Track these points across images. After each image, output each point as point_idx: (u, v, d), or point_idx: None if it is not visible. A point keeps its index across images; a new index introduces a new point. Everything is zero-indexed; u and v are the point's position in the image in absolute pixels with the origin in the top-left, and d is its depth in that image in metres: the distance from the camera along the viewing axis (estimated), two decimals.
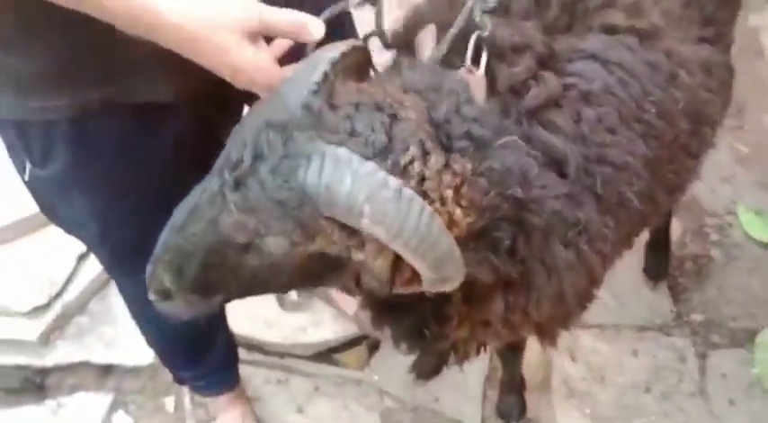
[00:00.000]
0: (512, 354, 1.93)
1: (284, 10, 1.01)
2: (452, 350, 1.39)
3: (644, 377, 2.24)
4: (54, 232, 2.24)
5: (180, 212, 0.98)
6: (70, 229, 1.50)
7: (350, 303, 2.29)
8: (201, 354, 1.91)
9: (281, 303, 2.34)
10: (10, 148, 1.31)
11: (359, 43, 1.04)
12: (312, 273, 0.98)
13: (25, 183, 1.35)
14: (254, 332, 2.26)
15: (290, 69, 1.00)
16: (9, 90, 1.16)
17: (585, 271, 1.14)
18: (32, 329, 2.12)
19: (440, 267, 0.92)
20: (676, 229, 2.61)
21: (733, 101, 3.23)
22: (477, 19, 1.03)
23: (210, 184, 0.94)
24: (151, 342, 1.93)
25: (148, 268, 1.01)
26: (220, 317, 1.93)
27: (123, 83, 1.16)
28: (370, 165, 0.85)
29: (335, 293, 2.32)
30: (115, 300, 2.29)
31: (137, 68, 1.13)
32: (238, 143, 0.92)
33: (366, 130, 0.89)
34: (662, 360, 2.28)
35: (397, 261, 0.94)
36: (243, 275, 0.98)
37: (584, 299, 1.34)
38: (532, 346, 2.24)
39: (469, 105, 0.98)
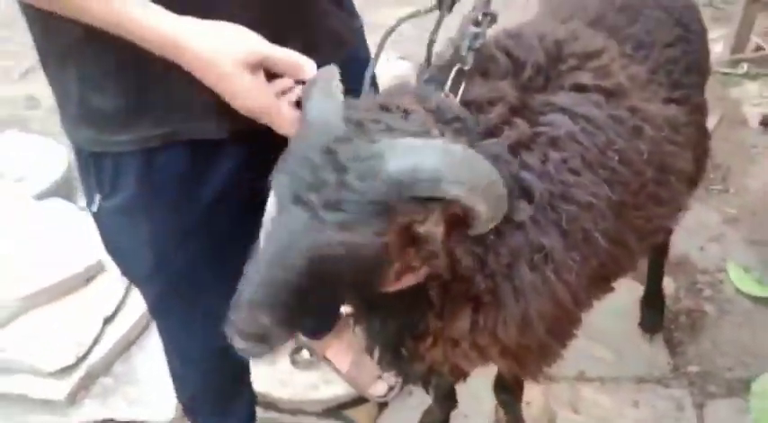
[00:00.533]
0: (510, 399, 2.02)
1: (285, 50, 1.18)
2: (430, 373, 1.50)
3: None
4: (83, 296, 2.41)
5: (268, 250, 1.02)
6: (125, 262, 1.60)
7: (344, 363, 2.41)
8: (228, 403, 1.98)
9: (294, 362, 2.46)
10: (84, 181, 1.46)
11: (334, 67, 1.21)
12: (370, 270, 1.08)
13: (92, 214, 1.49)
14: (269, 389, 2.36)
15: (277, 87, 1.18)
16: (88, 123, 1.32)
17: (551, 297, 1.24)
18: (60, 389, 2.22)
19: (498, 204, 1.08)
20: (670, 285, 2.74)
21: (719, 166, 3.45)
22: (464, 53, 1.22)
23: (291, 214, 1.00)
24: (181, 388, 1.99)
25: (237, 316, 1.03)
26: (245, 370, 2.01)
27: (182, 121, 1.32)
28: (437, 141, 1.02)
29: (332, 355, 2.44)
30: (137, 361, 2.42)
31: (194, 109, 1.29)
32: (297, 171, 1.00)
33: (397, 124, 1.05)
34: (661, 410, 2.36)
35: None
36: (338, 290, 1.08)
37: (559, 333, 1.44)
38: (535, 398, 2.35)
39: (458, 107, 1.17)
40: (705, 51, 1.91)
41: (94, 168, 1.40)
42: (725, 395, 2.40)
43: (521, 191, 1.17)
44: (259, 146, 1.27)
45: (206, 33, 1.15)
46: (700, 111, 1.90)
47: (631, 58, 1.56)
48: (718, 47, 4.06)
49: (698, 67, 1.81)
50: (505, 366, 1.46)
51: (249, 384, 2.06)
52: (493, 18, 1.26)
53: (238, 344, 1.06)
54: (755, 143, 3.47)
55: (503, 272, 1.19)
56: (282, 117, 1.21)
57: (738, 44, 3.95)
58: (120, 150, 1.33)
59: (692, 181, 1.96)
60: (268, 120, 1.22)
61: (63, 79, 1.31)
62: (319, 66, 1.24)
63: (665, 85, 1.62)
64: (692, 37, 1.77)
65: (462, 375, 1.54)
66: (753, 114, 3.62)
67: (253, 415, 2.14)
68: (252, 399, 2.10)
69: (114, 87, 1.28)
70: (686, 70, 1.71)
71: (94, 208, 1.46)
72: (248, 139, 1.34)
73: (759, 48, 4.00)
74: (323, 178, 0.99)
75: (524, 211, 1.16)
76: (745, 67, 3.93)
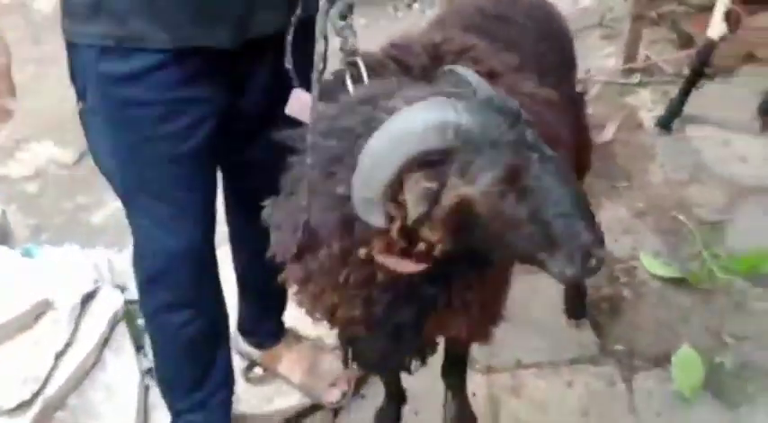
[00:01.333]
0: (457, 381, 2.17)
1: None
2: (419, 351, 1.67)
3: (581, 403, 2.50)
4: (33, 334, 2.43)
5: (560, 186, 1.26)
6: (99, 162, 1.73)
7: (296, 374, 2.50)
8: (204, 372, 2.07)
9: (248, 379, 2.54)
10: (72, 80, 1.63)
11: None
12: None
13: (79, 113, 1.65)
14: None
15: None
16: (69, 14, 1.51)
17: None
18: None
19: None
20: None
21: (623, 167, 3.75)
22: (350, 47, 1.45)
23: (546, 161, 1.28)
24: (161, 351, 2.09)
25: (591, 232, 1.25)
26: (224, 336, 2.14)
27: (136, 27, 1.46)
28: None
29: (284, 367, 2.52)
30: (92, 395, 2.44)
31: (147, 16, 1.44)
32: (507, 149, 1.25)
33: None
34: (594, 387, 2.55)
35: None
36: None
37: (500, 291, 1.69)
38: (479, 388, 2.51)
39: None
40: (569, 49, 2.23)
41: (73, 64, 1.58)
42: (650, 368, 2.63)
43: None
44: (205, 61, 1.48)
45: None
46: (574, 102, 2.18)
47: (503, 50, 1.76)
48: (611, 61, 4.43)
49: (564, 60, 2.14)
50: (469, 330, 1.60)
51: (227, 350, 2.17)
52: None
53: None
54: (653, 144, 3.79)
55: None
56: None
57: (629, 57, 4.31)
58: (86, 42, 1.50)
59: (579, 168, 2.21)
60: None
61: None
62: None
63: (537, 73, 1.82)
64: (556, 36, 2.11)
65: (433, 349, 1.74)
66: (648, 118, 3.96)
67: (231, 390, 2.22)
68: (230, 367, 2.19)
69: None
70: (554, 62, 2.00)
71: (78, 107, 1.62)
72: (196, 53, 1.51)
73: (648, 58, 4.38)
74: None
75: None
76: (638, 77, 4.30)
